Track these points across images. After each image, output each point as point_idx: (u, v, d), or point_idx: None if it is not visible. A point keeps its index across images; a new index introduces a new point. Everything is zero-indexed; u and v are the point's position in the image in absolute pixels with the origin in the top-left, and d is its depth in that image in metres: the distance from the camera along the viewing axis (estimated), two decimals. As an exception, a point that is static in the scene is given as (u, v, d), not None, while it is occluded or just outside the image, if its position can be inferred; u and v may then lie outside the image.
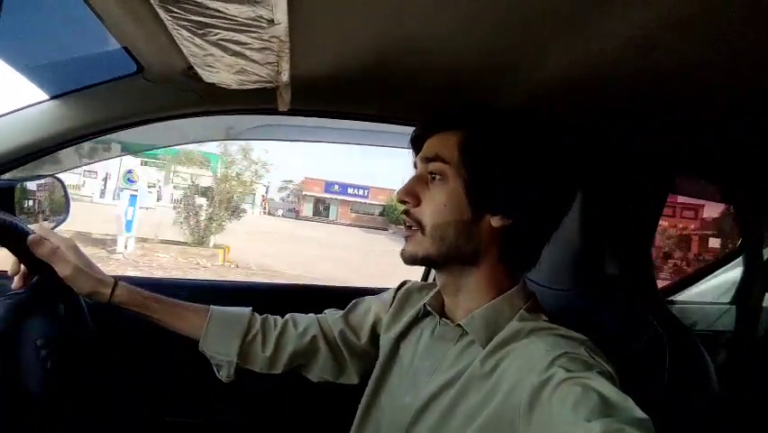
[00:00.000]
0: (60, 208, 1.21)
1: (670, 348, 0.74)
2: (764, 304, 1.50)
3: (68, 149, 1.01)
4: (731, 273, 1.76)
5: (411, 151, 0.82)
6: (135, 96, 0.98)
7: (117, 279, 0.87)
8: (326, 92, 0.99)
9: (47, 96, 0.94)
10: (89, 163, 1.27)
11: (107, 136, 1.03)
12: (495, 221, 0.70)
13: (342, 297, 0.99)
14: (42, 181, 1.14)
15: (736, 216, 1.55)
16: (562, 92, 0.93)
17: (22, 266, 0.82)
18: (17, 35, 0.87)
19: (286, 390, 1.16)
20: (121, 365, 1.08)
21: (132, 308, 0.87)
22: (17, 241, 0.79)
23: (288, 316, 0.96)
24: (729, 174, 1.34)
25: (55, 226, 1.21)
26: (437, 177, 0.73)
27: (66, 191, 1.21)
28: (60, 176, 1.16)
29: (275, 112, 1.00)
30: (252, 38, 0.71)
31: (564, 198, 0.74)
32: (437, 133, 0.76)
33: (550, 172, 0.71)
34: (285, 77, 0.87)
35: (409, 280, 0.97)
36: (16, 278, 0.82)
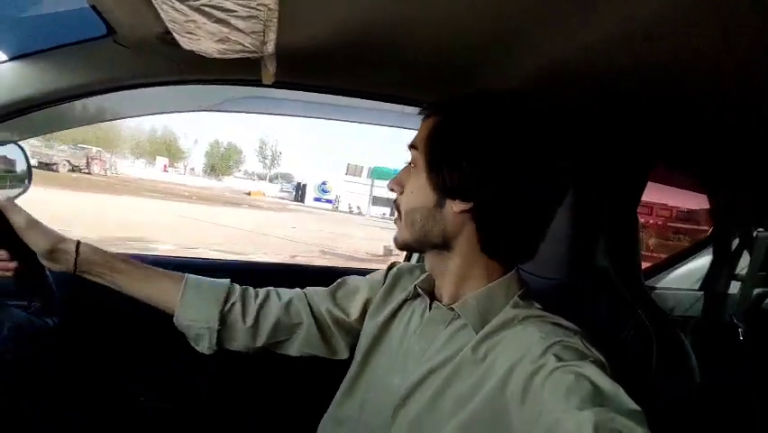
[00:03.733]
0: (22, 177, 1.14)
1: (656, 340, 0.75)
2: (730, 291, 1.55)
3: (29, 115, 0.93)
4: (700, 261, 1.82)
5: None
6: (104, 60, 0.90)
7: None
8: (313, 66, 0.94)
9: (5, 57, 0.86)
10: (53, 131, 1.19)
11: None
12: (456, 205, 0.70)
13: (328, 277, 0.96)
14: (1, 148, 1.06)
15: (709, 206, 1.58)
16: (553, 78, 0.92)
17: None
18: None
19: (262, 368, 1.15)
20: (91, 355, 1.05)
21: (101, 271, 0.82)
22: None
23: (269, 288, 0.92)
24: (704, 165, 1.37)
25: (16, 196, 1.14)
26: (412, 165, 0.75)
27: (28, 159, 1.14)
28: (22, 143, 1.08)
29: (258, 84, 0.94)
30: (239, 5, 0.66)
31: (532, 180, 0.70)
32: (424, 120, 0.76)
33: (509, 154, 0.69)
34: (270, 47, 0.81)
35: (398, 262, 0.96)
36: None
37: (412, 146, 0.75)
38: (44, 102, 0.90)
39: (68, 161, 23.99)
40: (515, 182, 0.69)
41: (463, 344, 0.70)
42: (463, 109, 0.73)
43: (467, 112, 0.72)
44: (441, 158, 0.71)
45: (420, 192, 0.73)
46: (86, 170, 24.29)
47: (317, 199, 28.69)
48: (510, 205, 0.70)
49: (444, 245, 0.73)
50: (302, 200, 29.65)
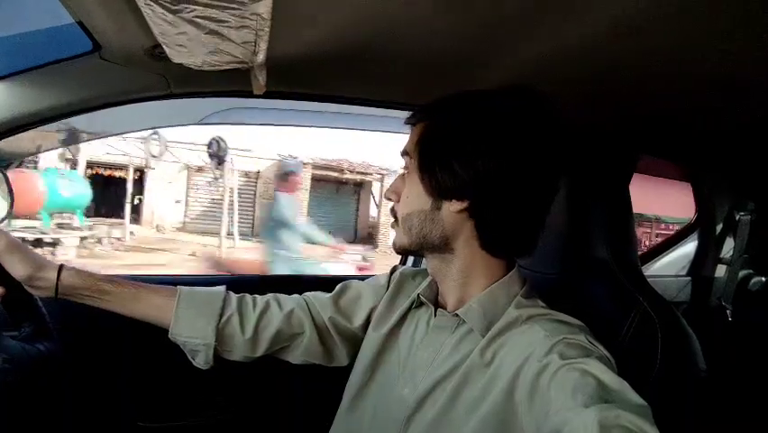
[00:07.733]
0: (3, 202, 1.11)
1: (660, 329, 0.76)
2: (716, 275, 1.59)
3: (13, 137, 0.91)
4: (683, 249, 1.86)
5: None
6: (90, 77, 0.88)
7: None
8: (304, 74, 0.94)
9: (-12, 79, 0.83)
10: (42, 152, 1.15)
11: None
12: (452, 206, 0.71)
13: (327, 286, 0.95)
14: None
15: (693, 194, 1.62)
16: (542, 76, 0.92)
17: None
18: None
19: (264, 382, 1.13)
20: (86, 377, 1.02)
21: (86, 295, 0.79)
22: None
23: (269, 295, 0.90)
24: (688, 154, 1.40)
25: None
26: (406, 171, 0.77)
27: (9, 184, 1.10)
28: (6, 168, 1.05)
29: (248, 95, 0.93)
30: (232, 15, 0.65)
31: (523, 172, 0.69)
32: (413, 127, 0.78)
33: (497, 149, 0.69)
34: (261, 57, 0.81)
35: (400, 266, 0.95)
36: None
37: (405, 153, 0.77)
38: (30, 123, 0.87)
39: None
40: (506, 176, 0.69)
41: (470, 349, 0.70)
42: (448, 110, 0.74)
43: (452, 112, 0.73)
44: (432, 160, 0.72)
45: (415, 197, 0.74)
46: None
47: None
48: (505, 199, 0.70)
49: (445, 247, 0.74)
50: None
